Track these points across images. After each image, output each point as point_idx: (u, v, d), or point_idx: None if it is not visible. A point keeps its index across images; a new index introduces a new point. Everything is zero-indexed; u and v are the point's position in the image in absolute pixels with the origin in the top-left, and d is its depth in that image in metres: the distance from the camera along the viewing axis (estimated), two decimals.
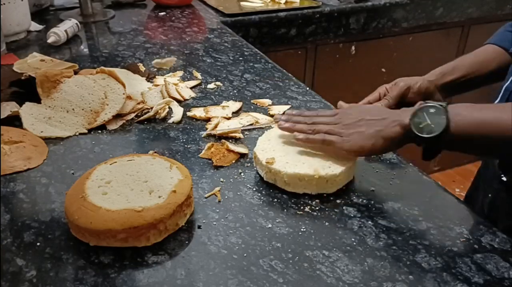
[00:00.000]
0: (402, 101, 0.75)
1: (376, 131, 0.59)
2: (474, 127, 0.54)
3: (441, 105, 0.56)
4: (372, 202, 0.61)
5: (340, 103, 0.75)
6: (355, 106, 0.69)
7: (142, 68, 1.00)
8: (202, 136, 0.76)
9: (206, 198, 0.62)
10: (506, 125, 0.53)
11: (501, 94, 0.71)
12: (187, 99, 0.90)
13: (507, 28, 0.80)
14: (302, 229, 0.56)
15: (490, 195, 0.75)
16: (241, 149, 0.71)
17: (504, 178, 0.72)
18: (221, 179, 0.65)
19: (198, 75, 1.00)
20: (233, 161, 0.70)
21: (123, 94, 0.83)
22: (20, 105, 0.80)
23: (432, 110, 0.56)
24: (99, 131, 0.78)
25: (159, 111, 0.82)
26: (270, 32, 1.46)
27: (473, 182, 0.87)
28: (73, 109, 0.80)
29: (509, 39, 0.78)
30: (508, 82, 0.70)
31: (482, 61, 0.78)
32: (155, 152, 0.71)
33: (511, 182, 0.71)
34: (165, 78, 0.96)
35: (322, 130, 0.63)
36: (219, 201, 0.61)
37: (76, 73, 0.90)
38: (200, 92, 0.93)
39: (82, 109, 0.80)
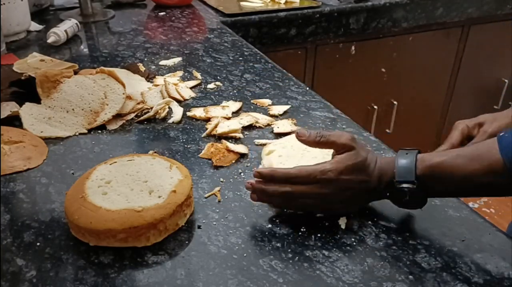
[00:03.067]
0: None
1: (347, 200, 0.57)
2: (434, 171, 0.53)
3: (415, 183, 0.54)
4: (372, 202, 0.61)
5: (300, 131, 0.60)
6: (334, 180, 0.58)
7: (142, 68, 1.00)
8: (202, 136, 0.77)
9: (206, 198, 0.62)
10: (487, 158, 0.51)
11: None
12: (187, 99, 0.90)
13: None
14: (302, 229, 0.56)
15: None
16: (241, 149, 0.71)
17: None
18: (221, 179, 0.65)
19: (198, 75, 1.00)
20: (233, 161, 0.70)
21: (123, 94, 0.83)
22: (20, 105, 0.80)
23: (406, 188, 0.54)
24: (99, 131, 0.78)
25: (159, 111, 0.82)
26: (270, 32, 1.46)
27: None
28: (73, 109, 0.80)
29: None
30: None
31: None
32: (155, 152, 0.71)
33: None
34: (165, 78, 0.96)
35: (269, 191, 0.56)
36: (219, 201, 0.61)
37: (76, 73, 0.90)
38: (200, 92, 0.93)
39: (82, 109, 0.80)
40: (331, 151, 0.59)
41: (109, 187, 0.55)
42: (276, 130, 0.78)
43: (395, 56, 1.75)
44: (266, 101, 0.89)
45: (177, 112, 0.83)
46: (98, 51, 1.15)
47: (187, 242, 0.54)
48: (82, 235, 0.53)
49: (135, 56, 1.11)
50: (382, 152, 0.73)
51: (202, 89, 0.95)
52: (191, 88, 0.94)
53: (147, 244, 0.53)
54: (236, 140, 0.75)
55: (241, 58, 1.11)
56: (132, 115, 0.82)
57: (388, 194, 0.56)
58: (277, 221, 0.58)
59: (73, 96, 0.81)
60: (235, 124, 0.78)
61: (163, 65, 1.05)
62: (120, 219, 0.51)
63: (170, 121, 0.81)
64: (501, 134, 0.52)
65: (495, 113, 0.77)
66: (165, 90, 0.89)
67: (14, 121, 0.78)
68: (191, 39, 1.24)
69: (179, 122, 0.81)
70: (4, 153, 0.68)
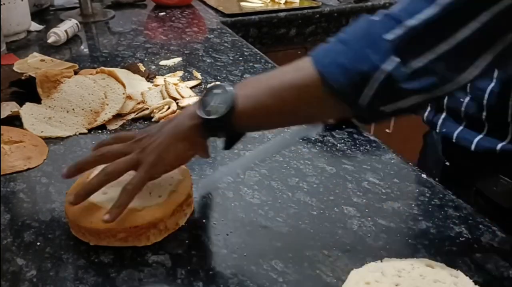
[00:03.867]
0: None
1: (171, 136, 0.52)
2: (264, 90, 0.50)
3: (227, 84, 0.52)
4: (372, 201, 0.61)
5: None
6: (153, 125, 0.58)
7: (142, 68, 1.00)
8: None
9: (204, 197, 0.62)
10: (305, 78, 0.48)
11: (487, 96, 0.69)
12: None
13: None
14: (302, 229, 0.56)
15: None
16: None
17: (447, 163, 0.74)
18: (221, 179, 0.65)
19: (198, 75, 1.00)
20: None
21: (123, 94, 0.83)
22: (20, 105, 0.80)
23: (217, 91, 0.51)
24: (99, 131, 0.78)
25: (155, 110, 0.82)
26: (270, 32, 1.46)
27: (421, 154, 0.88)
28: (73, 109, 0.80)
29: None
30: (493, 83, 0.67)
31: None
32: None
33: (453, 167, 0.73)
34: (165, 78, 0.96)
35: (118, 170, 0.52)
36: (219, 201, 0.61)
37: (76, 73, 0.90)
38: (200, 92, 0.93)
39: (82, 109, 0.80)
40: None
41: (109, 187, 0.55)
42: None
43: None
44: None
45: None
46: (98, 51, 1.15)
47: (187, 241, 0.54)
48: (82, 235, 0.53)
49: (135, 56, 1.11)
50: (382, 152, 0.73)
51: (202, 89, 0.94)
52: (191, 88, 0.94)
53: (147, 244, 0.53)
54: None
55: (241, 58, 1.11)
56: (132, 115, 0.82)
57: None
58: (277, 221, 0.58)
59: (73, 96, 0.81)
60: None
61: (163, 65, 1.05)
62: (120, 219, 0.51)
63: None
64: (312, 54, 0.50)
65: None
66: (165, 90, 0.89)
67: (14, 121, 0.78)
68: (191, 39, 1.24)
69: None
70: (4, 153, 0.69)
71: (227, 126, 0.51)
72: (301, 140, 0.75)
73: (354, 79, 0.46)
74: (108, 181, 0.52)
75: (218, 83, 0.52)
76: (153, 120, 0.81)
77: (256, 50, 1.17)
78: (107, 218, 0.49)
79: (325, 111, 0.51)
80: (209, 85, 0.52)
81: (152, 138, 0.52)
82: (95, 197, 0.54)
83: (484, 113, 0.65)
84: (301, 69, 0.50)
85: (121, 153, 0.53)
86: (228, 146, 0.56)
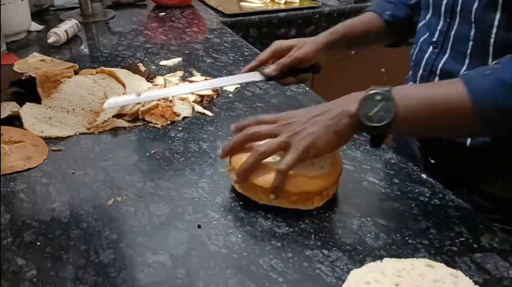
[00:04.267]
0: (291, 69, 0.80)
1: (327, 127, 0.56)
2: (424, 107, 0.54)
3: (386, 90, 0.55)
4: (372, 202, 0.61)
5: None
6: (293, 111, 0.62)
7: (142, 68, 1.00)
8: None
9: (205, 197, 0.62)
10: (457, 101, 0.53)
11: (418, 81, 0.74)
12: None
13: None
14: (302, 229, 0.56)
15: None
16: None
17: (432, 161, 0.75)
18: (222, 179, 0.65)
19: (198, 75, 1.00)
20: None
21: (123, 94, 0.83)
22: (21, 105, 0.80)
23: (378, 97, 0.55)
24: (99, 131, 0.78)
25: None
26: (270, 32, 1.46)
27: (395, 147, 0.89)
28: (73, 109, 0.80)
29: (384, 7, 0.87)
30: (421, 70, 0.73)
31: (358, 23, 0.87)
32: (155, 152, 0.72)
33: (440, 164, 0.75)
34: (165, 78, 0.96)
35: (271, 150, 0.57)
36: (219, 201, 0.61)
37: (76, 73, 0.90)
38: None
39: (82, 109, 0.80)
40: None
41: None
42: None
43: (394, 56, 1.75)
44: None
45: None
46: (98, 51, 1.15)
47: (187, 241, 0.54)
48: (254, 193, 0.59)
49: (135, 56, 1.11)
50: (382, 152, 0.73)
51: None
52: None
53: (310, 208, 0.59)
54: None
55: (241, 58, 1.11)
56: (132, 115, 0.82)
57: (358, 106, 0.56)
58: (277, 220, 0.58)
59: (73, 96, 0.81)
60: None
61: (163, 65, 1.05)
62: (295, 183, 0.57)
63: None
64: (465, 77, 0.55)
65: (308, 38, 0.83)
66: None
67: (14, 121, 0.78)
68: (191, 39, 1.25)
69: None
70: (4, 153, 0.69)
71: (383, 131, 0.55)
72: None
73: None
74: (262, 159, 0.58)
75: (377, 88, 0.56)
76: (140, 118, 0.81)
77: (256, 50, 1.17)
78: (273, 198, 0.57)
79: (474, 133, 0.60)
80: (368, 91, 0.56)
81: (304, 125, 0.57)
82: (270, 163, 0.58)
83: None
84: (460, 98, 0.53)
85: (267, 134, 0.59)
86: (377, 144, 0.59)
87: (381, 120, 0.54)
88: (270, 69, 0.79)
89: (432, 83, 0.57)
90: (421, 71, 0.74)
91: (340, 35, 0.85)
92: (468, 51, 0.66)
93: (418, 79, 0.74)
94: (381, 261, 0.49)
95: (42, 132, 0.76)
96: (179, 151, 0.73)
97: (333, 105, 0.59)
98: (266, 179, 0.57)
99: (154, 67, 1.04)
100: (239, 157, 0.60)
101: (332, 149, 0.58)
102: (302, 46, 0.81)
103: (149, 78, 0.97)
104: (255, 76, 0.81)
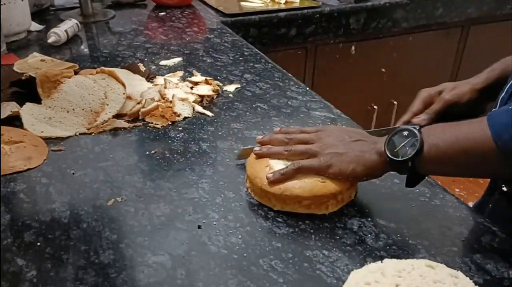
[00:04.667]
0: (446, 114, 0.74)
1: (356, 157, 0.58)
2: (448, 144, 0.53)
3: (414, 128, 0.56)
4: (372, 202, 0.61)
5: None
6: (333, 126, 0.64)
7: (142, 68, 1.00)
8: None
9: (205, 198, 0.62)
10: (480, 137, 0.52)
11: (498, 105, 0.70)
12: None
13: None
14: (302, 229, 0.56)
15: (490, 205, 0.74)
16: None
17: (504, 188, 0.71)
18: (222, 179, 0.65)
19: (198, 75, 1.00)
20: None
21: (123, 94, 0.83)
22: (21, 105, 0.80)
23: (405, 133, 0.56)
24: (99, 131, 0.78)
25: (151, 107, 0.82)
26: (270, 32, 1.46)
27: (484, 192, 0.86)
28: (73, 109, 0.80)
29: None
30: (504, 92, 0.68)
31: None
32: (155, 152, 0.72)
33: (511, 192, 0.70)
34: (165, 78, 0.96)
35: (298, 151, 0.61)
36: (219, 202, 0.61)
37: (76, 73, 0.90)
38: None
39: (82, 109, 0.80)
40: None
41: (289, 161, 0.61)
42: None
43: (395, 56, 1.75)
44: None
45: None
46: (99, 51, 1.15)
47: (187, 242, 0.54)
48: (267, 200, 0.59)
49: (135, 56, 1.11)
50: None
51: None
52: (191, 88, 0.94)
53: (325, 212, 0.58)
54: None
55: (241, 58, 1.11)
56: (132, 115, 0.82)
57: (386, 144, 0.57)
58: (277, 221, 0.58)
59: (73, 96, 0.81)
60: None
61: (163, 65, 1.05)
62: (307, 187, 0.57)
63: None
64: (490, 113, 0.53)
65: (457, 82, 0.78)
66: (163, 89, 0.89)
67: (14, 121, 0.78)
68: (191, 39, 1.24)
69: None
70: (4, 153, 0.69)
71: (410, 168, 0.55)
72: None
73: None
74: (288, 157, 0.61)
75: (406, 126, 0.57)
76: (140, 118, 0.81)
77: (256, 50, 1.17)
78: (269, 176, 0.59)
79: (502, 173, 0.58)
80: (398, 126, 0.57)
81: (335, 143, 0.60)
82: (279, 167, 0.60)
83: None
84: (482, 133, 0.52)
85: (302, 141, 0.62)
86: (411, 185, 0.59)
87: (406, 155, 0.54)
88: (419, 118, 0.73)
89: (461, 121, 0.56)
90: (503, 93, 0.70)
91: (499, 72, 0.77)
92: None
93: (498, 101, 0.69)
94: (382, 262, 0.49)
95: (42, 132, 0.76)
96: (179, 151, 0.73)
97: (368, 138, 0.61)
98: (278, 186, 0.58)
99: (154, 67, 1.04)
100: (253, 164, 0.62)
101: (353, 178, 0.59)
102: (455, 88, 0.75)
103: (149, 78, 0.97)
104: None
